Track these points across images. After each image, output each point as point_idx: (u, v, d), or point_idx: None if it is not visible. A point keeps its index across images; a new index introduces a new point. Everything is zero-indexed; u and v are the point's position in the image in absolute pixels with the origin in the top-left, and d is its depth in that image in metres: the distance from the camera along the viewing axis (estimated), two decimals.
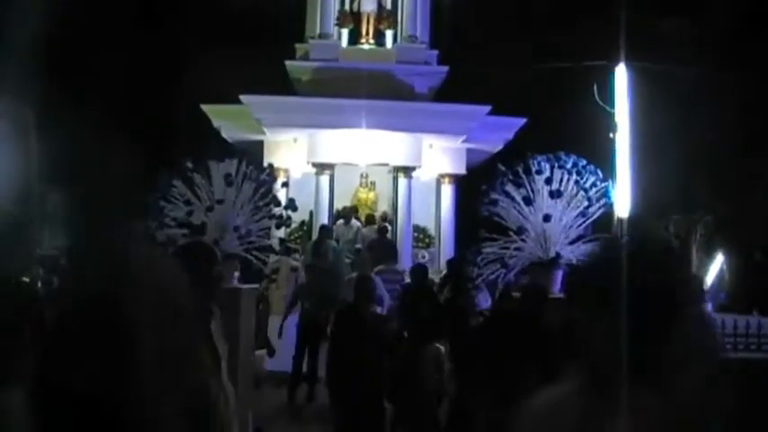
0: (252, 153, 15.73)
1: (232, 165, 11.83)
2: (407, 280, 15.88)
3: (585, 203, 11.69)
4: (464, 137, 19.82)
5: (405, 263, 17.61)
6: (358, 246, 16.65)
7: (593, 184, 11.80)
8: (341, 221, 18.18)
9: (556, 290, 11.34)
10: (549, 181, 11.85)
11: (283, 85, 21.10)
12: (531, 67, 17.26)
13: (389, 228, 19.33)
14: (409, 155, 19.75)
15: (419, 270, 12.04)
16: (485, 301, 10.91)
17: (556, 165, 11.98)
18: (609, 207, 10.97)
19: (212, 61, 23.38)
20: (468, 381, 7.17)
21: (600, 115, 10.50)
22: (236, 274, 12.58)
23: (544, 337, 7.81)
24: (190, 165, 11.77)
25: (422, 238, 21.48)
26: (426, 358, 7.69)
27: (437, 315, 8.50)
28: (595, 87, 10.00)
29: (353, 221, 18.39)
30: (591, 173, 11.91)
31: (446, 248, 20.44)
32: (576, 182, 11.84)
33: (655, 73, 11.51)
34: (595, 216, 11.62)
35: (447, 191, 21.20)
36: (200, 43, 24.19)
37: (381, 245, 16.51)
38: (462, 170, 21.04)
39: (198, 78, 22.24)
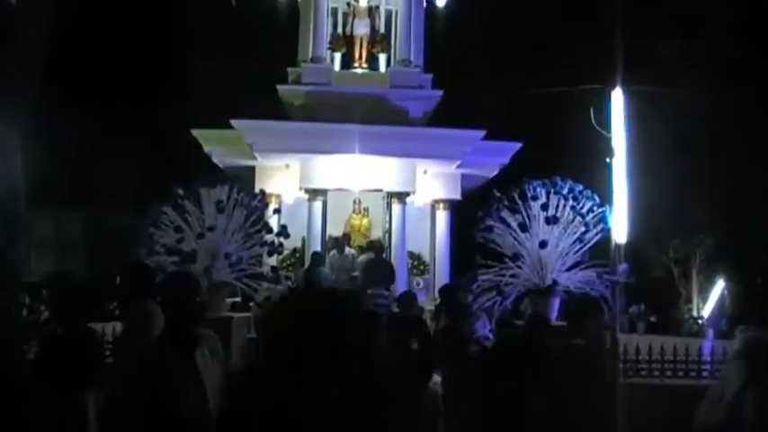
0: (243, 179, 15.77)
1: (223, 191, 11.88)
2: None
3: (582, 229, 11.75)
4: (459, 162, 19.84)
5: (399, 290, 17.59)
6: (355, 274, 16.54)
7: (590, 210, 11.86)
8: (334, 252, 17.99)
9: (553, 317, 11.35)
10: (545, 207, 11.91)
11: (275, 110, 21.13)
12: (526, 91, 17.31)
13: (385, 247, 19.26)
14: (403, 180, 19.74)
15: (406, 298, 11.86)
16: (483, 327, 10.88)
17: (552, 190, 12.05)
18: (606, 232, 10.95)
19: (203, 85, 23.46)
20: (469, 410, 7.12)
21: (596, 140, 10.47)
22: (237, 300, 12.60)
23: (546, 365, 7.79)
24: (180, 191, 11.82)
25: (416, 264, 21.45)
26: (424, 403, 7.63)
27: (428, 348, 8.42)
28: (591, 111, 10.00)
29: (348, 250, 18.27)
30: (587, 198, 11.97)
31: (441, 275, 20.41)
32: (573, 207, 11.91)
33: (651, 96, 11.55)
34: (593, 242, 11.66)
35: (442, 217, 21.18)
36: (191, 67, 24.27)
37: (377, 266, 16.45)
38: (457, 195, 21.04)
39: (189, 103, 22.29)
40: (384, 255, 18.13)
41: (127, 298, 6.21)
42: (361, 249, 18.83)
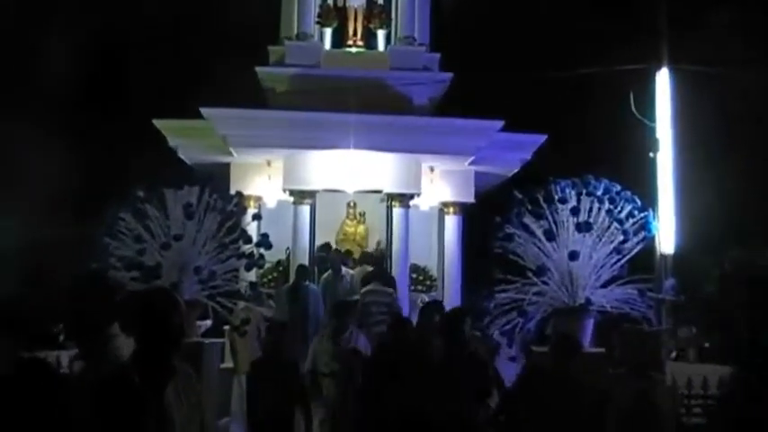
0: (216, 178, 15.65)
1: (192, 193, 11.80)
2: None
3: (621, 238, 11.68)
4: (472, 158, 19.74)
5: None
6: (356, 297, 16.27)
7: (630, 215, 11.79)
8: (328, 274, 17.44)
9: (586, 342, 11.29)
10: (575, 211, 11.84)
11: (254, 96, 21.06)
12: (552, 73, 17.21)
13: (386, 254, 19.14)
14: (406, 180, 19.65)
15: (399, 324, 11.33)
16: None
17: (584, 191, 11.98)
18: (650, 241, 10.89)
19: (169, 68, 23.39)
20: None
21: (637, 131, 10.46)
22: (208, 322, 12.50)
23: (578, 400, 7.72)
24: (141, 193, 11.74)
25: (421, 279, 21.33)
26: None
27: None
28: (632, 97, 9.95)
29: (345, 271, 17.63)
30: (627, 200, 11.90)
31: (451, 293, 20.31)
32: (609, 211, 11.84)
33: (705, 78, 11.46)
34: (633, 253, 11.59)
35: (452, 223, 21.08)
36: (155, 47, 24.21)
37: (376, 279, 16.31)
38: (470, 198, 20.94)
39: (152, 89, 22.21)
40: (384, 266, 18.02)
41: (83, 320, 6.05)
42: (356, 261, 18.73)
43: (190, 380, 4.97)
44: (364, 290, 14.96)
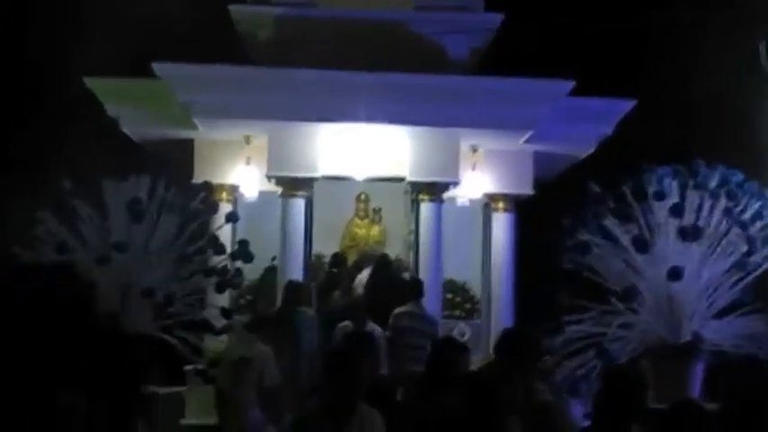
0: (175, 162, 15.45)
1: (141, 184, 11.64)
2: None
3: (744, 248, 11.47)
4: (530, 133, 19.54)
5: None
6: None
7: (758, 215, 11.57)
8: (345, 325, 16.32)
9: (695, 393, 11.11)
10: (677, 210, 11.62)
11: (226, 47, 20.89)
12: (643, 16, 16.97)
13: (391, 259, 19.08)
14: (438, 164, 19.44)
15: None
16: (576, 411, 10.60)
17: (690, 183, 11.78)
18: None
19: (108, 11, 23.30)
20: None
21: (766, 98, 10.22)
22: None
23: None
24: (68, 185, 11.56)
25: (459, 301, 21.20)
26: None
27: None
28: (762, 49, 9.71)
29: (372, 326, 16.27)
30: (753, 195, 11.70)
31: (500, 319, 20.13)
32: (727, 211, 11.62)
33: None
34: (761, 269, 11.39)
35: (501, 224, 20.91)
36: None
37: (381, 287, 16.21)
38: (527, 189, 20.75)
39: (85, 40, 22.08)
40: (390, 266, 17.99)
41: None
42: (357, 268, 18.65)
43: None
44: (398, 311, 14.84)
